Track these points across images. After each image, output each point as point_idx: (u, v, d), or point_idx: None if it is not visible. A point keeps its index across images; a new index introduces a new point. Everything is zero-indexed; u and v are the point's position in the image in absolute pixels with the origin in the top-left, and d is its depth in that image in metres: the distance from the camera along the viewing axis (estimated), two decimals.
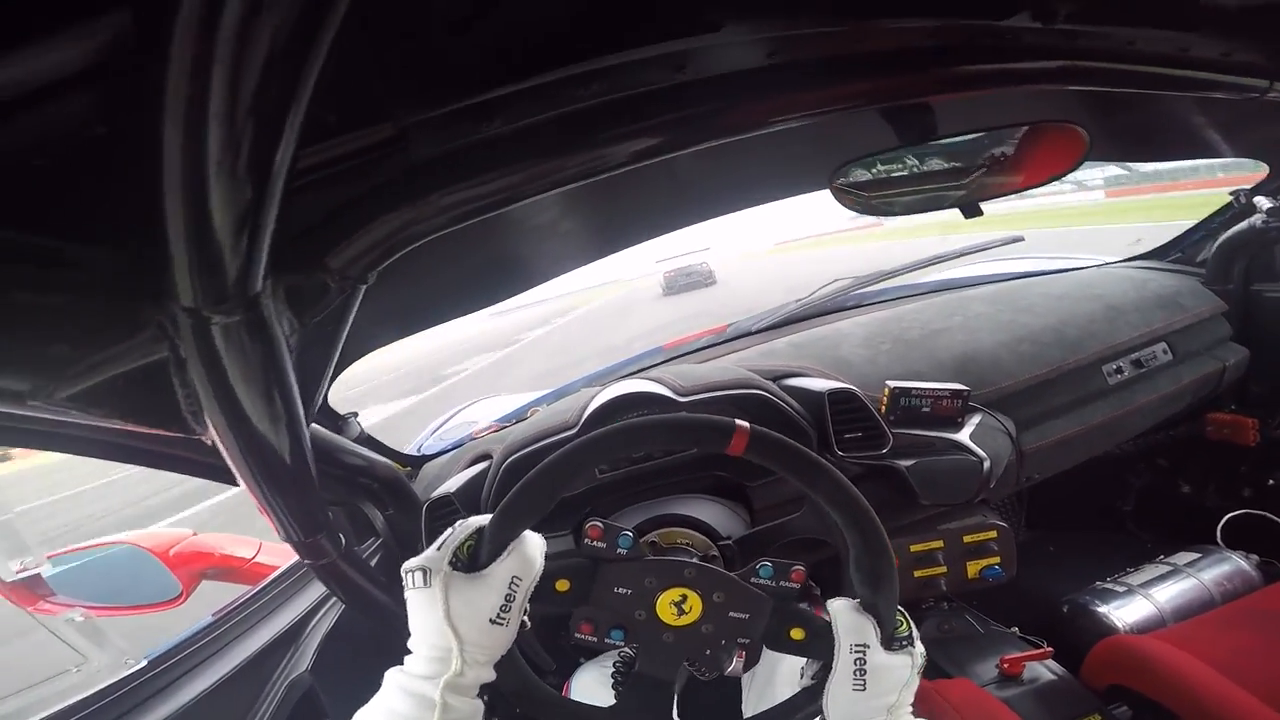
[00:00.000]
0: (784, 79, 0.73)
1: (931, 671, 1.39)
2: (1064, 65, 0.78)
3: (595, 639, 0.76)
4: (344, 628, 1.27)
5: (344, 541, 1.07)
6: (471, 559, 0.69)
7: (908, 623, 0.75)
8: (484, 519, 0.72)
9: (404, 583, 0.68)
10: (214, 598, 1.45)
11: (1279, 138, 1.42)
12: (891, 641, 0.73)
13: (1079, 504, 2.05)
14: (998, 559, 1.29)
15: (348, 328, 0.75)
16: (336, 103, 0.53)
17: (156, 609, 1.48)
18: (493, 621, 0.66)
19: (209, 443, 0.70)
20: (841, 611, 0.74)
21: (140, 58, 0.33)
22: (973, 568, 1.29)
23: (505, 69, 0.60)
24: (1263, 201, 1.54)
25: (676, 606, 0.76)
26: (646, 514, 1.18)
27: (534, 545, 0.72)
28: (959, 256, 1.83)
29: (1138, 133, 1.43)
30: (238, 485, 1.09)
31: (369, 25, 0.48)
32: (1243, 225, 1.62)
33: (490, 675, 0.69)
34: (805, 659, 0.79)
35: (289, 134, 0.40)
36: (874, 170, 0.95)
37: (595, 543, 0.76)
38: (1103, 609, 1.49)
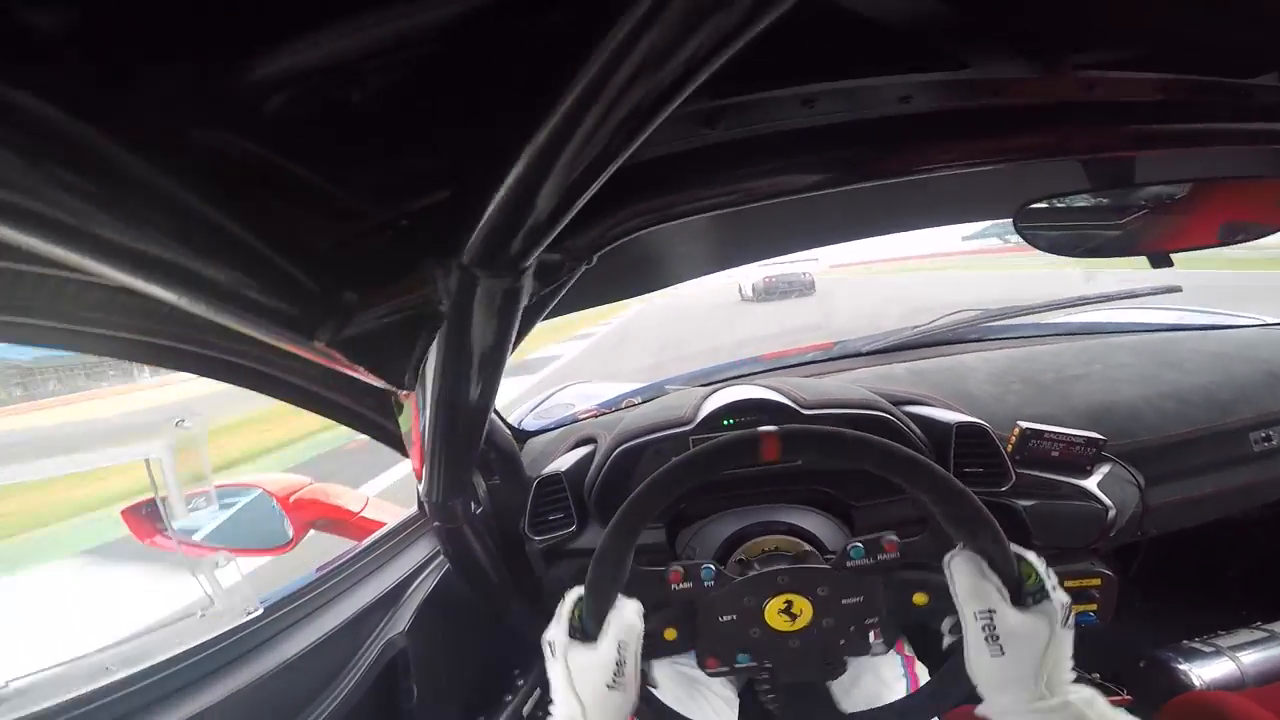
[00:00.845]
0: (997, 120, 0.70)
1: None
2: None
3: (726, 668, 0.78)
4: (441, 594, 1.32)
5: (474, 508, 1.11)
6: (586, 628, 0.73)
7: (1036, 572, 0.69)
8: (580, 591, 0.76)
9: (545, 654, 0.75)
10: (316, 548, 1.54)
11: None
12: (1022, 597, 0.67)
13: (1182, 561, 1.92)
14: (1095, 606, 1.27)
15: (558, 300, 0.77)
16: None
17: (267, 554, 1.54)
18: (609, 687, 0.70)
19: (402, 400, 0.76)
20: (956, 569, 0.70)
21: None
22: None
23: (735, 80, 0.61)
24: None
25: (786, 614, 0.76)
26: (745, 520, 1.18)
27: (630, 608, 0.75)
28: (1104, 302, 1.71)
29: None
30: (394, 445, 1.15)
31: None
32: None
33: None
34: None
35: (656, 120, 0.42)
36: (1060, 207, 0.90)
37: (680, 585, 0.78)
38: (1183, 666, 1.40)
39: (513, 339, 0.67)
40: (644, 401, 1.70)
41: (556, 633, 0.75)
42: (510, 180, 0.44)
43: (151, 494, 1.41)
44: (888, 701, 0.82)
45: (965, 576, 0.69)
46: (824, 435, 0.73)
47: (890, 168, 0.71)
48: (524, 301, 0.61)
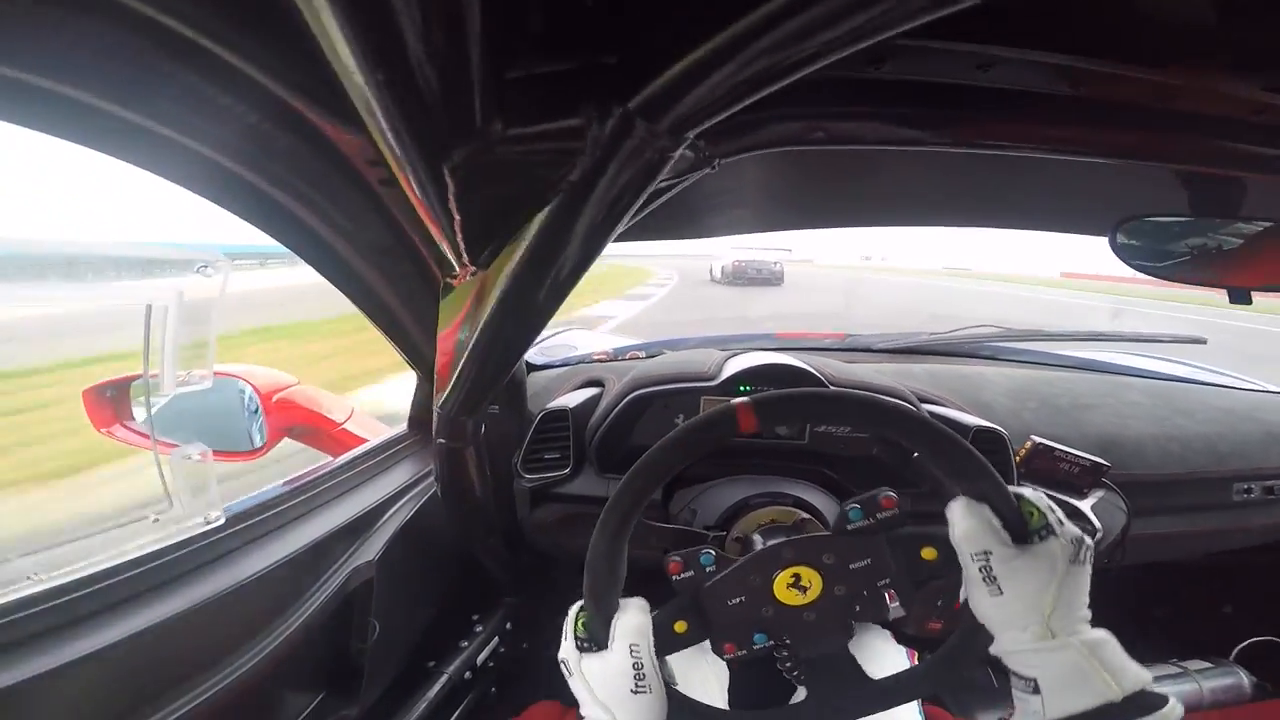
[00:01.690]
0: (1103, 113, 0.68)
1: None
2: None
3: (746, 652, 0.75)
4: (414, 525, 1.25)
5: (482, 429, 1.05)
6: (594, 637, 0.71)
7: (1038, 510, 0.67)
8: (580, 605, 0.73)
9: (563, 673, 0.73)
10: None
11: None
12: (1027, 535, 0.66)
13: (1124, 596, 2.00)
14: None
15: (655, 205, 0.73)
16: None
17: (235, 458, 1.43)
18: (634, 692, 0.67)
19: (454, 284, 0.72)
20: (955, 514, 0.68)
21: None
22: None
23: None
24: None
25: (796, 587, 0.74)
26: (748, 490, 1.16)
27: (634, 608, 0.72)
28: (1130, 341, 1.74)
29: None
30: (415, 362, 1.08)
31: None
32: None
33: None
34: None
35: (872, 39, 0.42)
36: (1160, 234, 0.88)
37: (681, 576, 0.75)
38: None
39: (621, 224, 0.62)
40: (648, 356, 1.66)
41: (566, 649, 0.72)
42: (711, 44, 0.42)
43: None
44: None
45: (963, 519, 0.67)
46: (800, 396, 0.71)
47: (1036, 143, 0.67)
48: (659, 179, 0.57)
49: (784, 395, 0.70)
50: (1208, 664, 1.61)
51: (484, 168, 0.50)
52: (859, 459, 1.26)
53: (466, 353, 0.79)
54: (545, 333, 2.13)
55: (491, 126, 0.48)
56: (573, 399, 1.35)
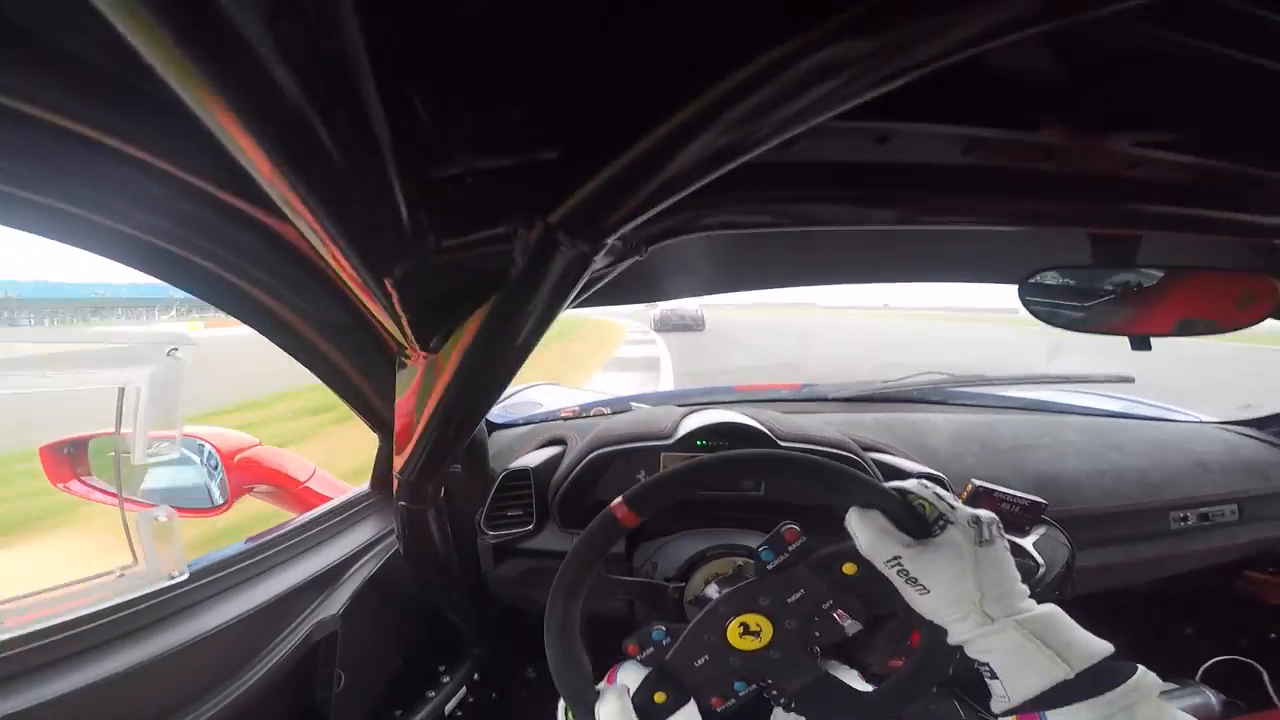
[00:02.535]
0: (1047, 183, 0.74)
1: None
2: None
3: (734, 701, 0.78)
4: (379, 580, 1.26)
5: (442, 493, 1.07)
6: None
7: (927, 502, 0.70)
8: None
9: None
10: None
11: None
12: (927, 530, 0.68)
13: (1082, 624, 2.04)
14: None
15: (590, 292, 0.77)
16: None
17: (198, 515, 1.44)
18: None
19: (409, 363, 0.75)
20: (852, 527, 0.70)
21: None
22: None
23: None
24: None
25: (749, 634, 0.77)
26: (705, 542, 1.19)
27: (613, 693, 0.75)
28: (1063, 383, 1.84)
29: None
30: (375, 424, 1.10)
31: None
32: None
33: None
34: None
35: (793, 131, 0.45)
36: (1063, 285, 0.96)
37: (640, 656, 0.79)
38: None
39: (564, 306, 0.66)
40: (613, 412, 1.70)
41: None
42: (630, 156, 0.45)
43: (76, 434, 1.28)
44: None
45: (861, 530, 0.69)
46: (665, 478, 0.75)
47: (942, 215, 0.74)
48: (587, 276, 0.61)
49: (652, 482, 0.75)
50: (1174, 685, 1.61)
51: (423, 275, 0.53)
52: (815, 506, 1.29)
53: (422, 423, 0.82)
54: (509, 389, 2.16)
55: (425, 239, 0.51)
56: (534, 458, 1.37)
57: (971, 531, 0.66)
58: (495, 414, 1.76)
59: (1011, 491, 1.29)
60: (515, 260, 0.56)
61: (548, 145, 0.51)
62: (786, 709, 0.81)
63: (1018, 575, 0.68)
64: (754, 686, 0.77)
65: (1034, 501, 1.29)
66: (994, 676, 0.64)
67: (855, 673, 1.19)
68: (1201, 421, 1.82)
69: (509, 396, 2.09)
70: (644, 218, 0.52)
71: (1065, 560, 1.36)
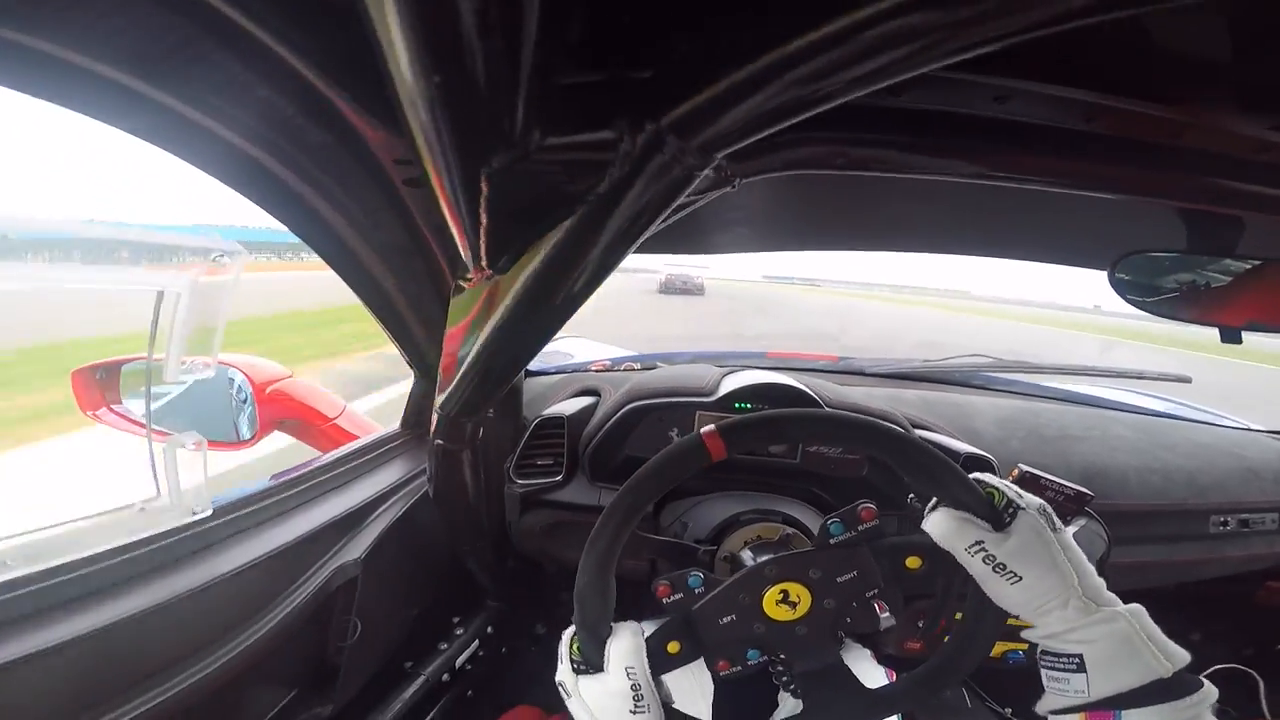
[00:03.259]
0: (1167, 156, 0.70)
1: None
2: None
3: (740, 668, 0.76)
4: (402, 525, 1.24)
5: (480, 432, 1.05)
6: (589, 659, 0.73)
7: (999, 491, 0.68)
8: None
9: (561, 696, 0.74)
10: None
11: None
12: (1000, 520, 0.66)
13: None
14: (1025, 646, 1.23)
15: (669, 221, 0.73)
16: None
17: (225, 448, 1.42)
18: (634, 713, 0.68)
19: (466, 286, 0.72)
20: (933, 523, 0.68)
21: None
22: (1000, 647, 1.28)
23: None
24: None
25: (785, 603, 0.74)
26: (740, 506, 1.17)
27: (628, 630, 0.73)
28: (1118, 377, 1.78)
29: None
30: (416, 364, 1.07)
31: None
32: None
33: None
34: None
35: (920, 68, 0.43)
36: (1157, 270, 0.90)
37: (670, 599, 0.76)
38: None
39: (642, 238, 0.62)
40: (643, 368, 1.67)
41: (563, 672, 0.74)
42: (748, 70, 0.43)
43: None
44: None
45: (942, 524, 0.67)
46: (766, 419, 0.72)
47: (1047, 176, 0.69)
48: (684, 195, 0.57)
49: (753, 420, 0.72)
50: None
51: (518, 175, 0.50)
52: (850, 480, 1.27)
53: (472, 355, 0.79)
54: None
55: (530, 135, 0.49)
56: (568, 407, 1.35)
57: (1041, 519, 0.64)
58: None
59: (1059, 480, 1.25)
60: (613, 171, 0.53)
61: (656, 60, 0.49)
62: (787, 688, 0.79)
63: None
64: (765, 659, 0.76)
65: (1080, 492, 1.25)
66: (1079, 669, 0.62)
67: (868, 652, 1.18)
68: (1253, 429, 1.76)
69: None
70: (756, 136, 0.49)
71: (1101, 554, 1.33)
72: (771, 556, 0.76)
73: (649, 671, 0.71)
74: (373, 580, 1.12)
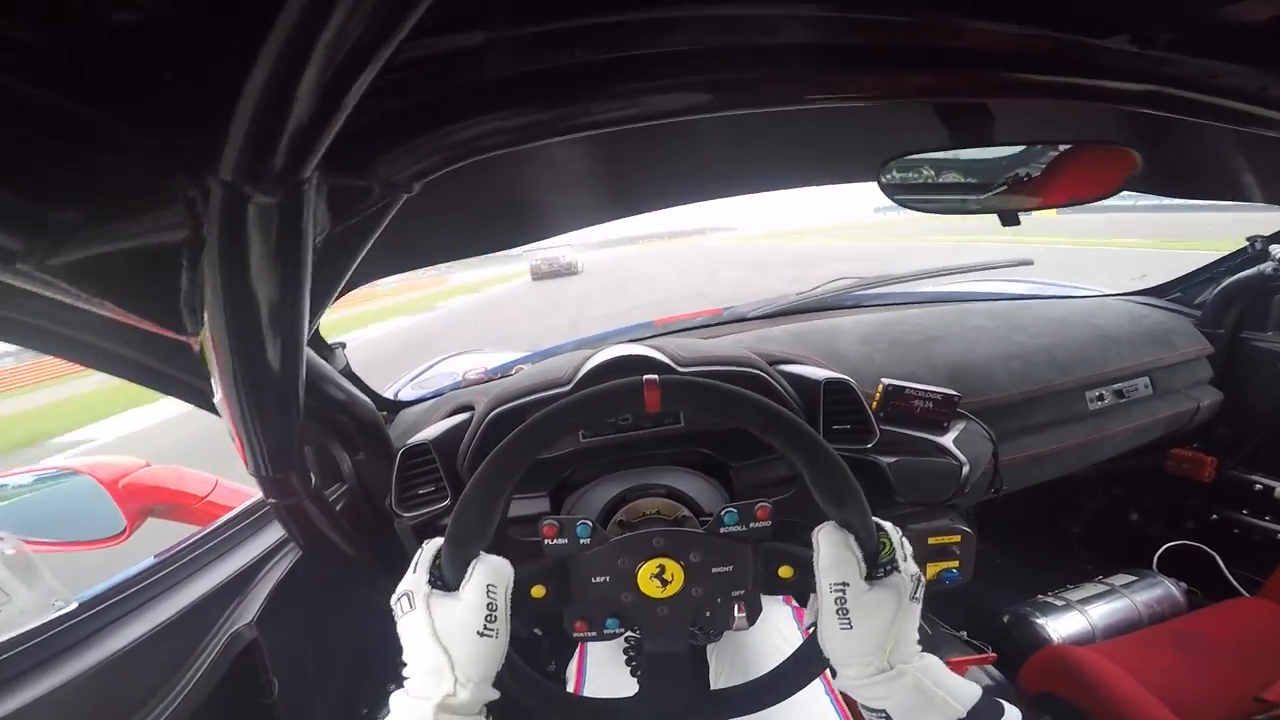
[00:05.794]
0: (846, 58, 0.70)
1: None
2: (1149, 90, 0.77)
3: (594, 633, 0.75)
4: (295, 579, 1.21)
5: (313, 481, 1.01)
6: (446, 576, 0.69)
7: (890, 543, 0.71)
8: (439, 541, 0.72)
9: (395, 613, 0.68)
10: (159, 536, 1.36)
11: None
12: (875, 568, 0.69)
13: (1031, 520, 2.13)
14: (958, 563, 1.30)
15: (374, 238, 0.71)
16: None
17: (96, 546, 1.37)
18: (480, 634, 0.65)
19: (196, 348, 0.66)
20: (822, 540, 0.70)
21: None
22: (933, 569, 1.30)
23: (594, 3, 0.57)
24: (1277, 250, 1.58)
25: (658, 579, 0.74)
26: (624, 484, 1.15)
27: (497, 558, 0.71)
28: (966, 272, 1.83)
29: (1181, 168, 1.45)
30: (215, 412, 1.02)
31: None
32: (1250, 271, 1.67)
33: (492, 694, 0.67)
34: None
35: (408, 19, 0.38)
36: (922, 169, 0.92)
37: (554, 541, 0.75)
38: (1040, 620, 1.59)
39: (306, 272, 0.59)
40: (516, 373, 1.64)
41: (415, 582, 0.68)
42: (259, 77, 0.38)
43: None
44: (777, 650, 0.81)
45: (829, 547, 0.69)
46: (705, 386, 0.71)
47: (748, 98, 0.69)
48: (309, 226, 0.54)
49: (692, 383, 0.71)
50: (1132, 576, 1.69)
51: (80, 267, 0.46)
52: (733, 431, 1.27)
53: (231, 411, 0.76)
54: (426, 365, 2.09)
55: (57, 218, 0.43)
56: (435, 430, 1.31)
57: (911, 585, 0.68)
58: (406, 392, 1.70)
59: (924, 387, 1.29)
60: (204, 232, 0.50)
61: (183, 91, 0.44)
62: (629, 663, 0.79)
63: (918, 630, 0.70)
64: (621, 630, 0.75)
65: (946, 395, 1.29)
66: None
67: (790, 609, 1.18)
68: (1102, 294, 1.84)
69: (425, 370, 2.02)
70: (321, 143, 0.45)
71: (990, 454, 1.36)
72: (662, 529, 0.76)
73: (510, 600, 0.69)
74: (279, 639, 1.10)
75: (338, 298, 1.03)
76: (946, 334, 1.55)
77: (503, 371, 1.71)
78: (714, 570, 0.74)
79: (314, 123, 0.43)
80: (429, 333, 14.31)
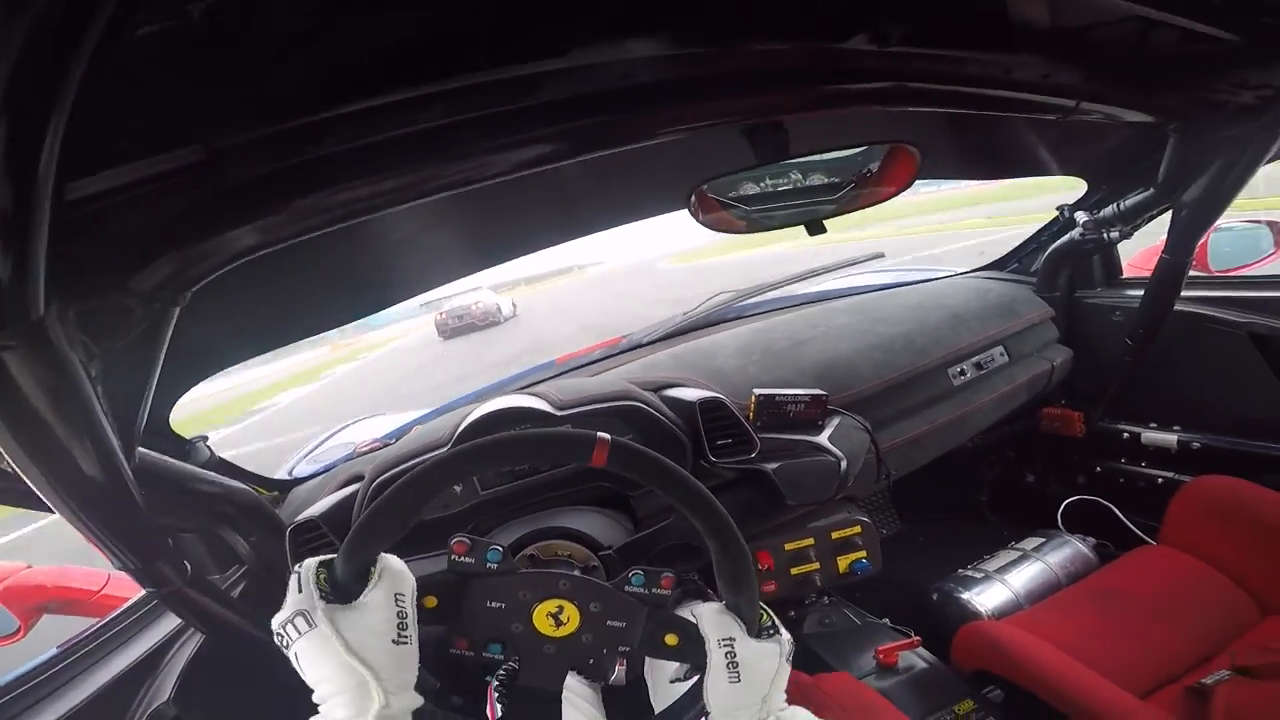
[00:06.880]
0: (641, 99, 0.76)
1: (814, 665, 1.48)
2: (897, 86, 0.83)
3: (472, 654, 0.77)
4: (208, 655, 1.19)
5: (188, 568, 1.01)
6: (338, 591, 0.66)
7: (770, 615, 0.78)
8: (322, 557, 0.70)
9: (282, 643, 0.63)
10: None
11: (1092, 156, 1.61)
12: (759, 631, 0.75)
13: (942, 496, 2.23)
14: (864, 553, 1.35)
15: (164, 349, 0.73)
16: (139, 124, 0.53)
17: None
18: (395, 642, 0.64)
19: (8, 470, 0.66)
20: (706, 613, 0.76)
21: None
22: (843, 562, 1.35)
23: (335, 94, 0.60)
24: (1081, 216, 1.70)
25: (554, 618, 0.77)
26: (527, 527, 1.17)
27: (398, 561, 0.71)
28: (824, 272, 1.94)
29: (977, 151, 1.57)
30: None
31: (168, 48, 0.48)
32: (1065, 238, 1.80)
33: (418, 700, 0.66)
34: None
35: (50, 147, 0.40)
36: (732, 192, 1.00)
37: (461, 558, 0.77)
38: (965, 595, 1.63)
39: (89, 395, 0.62)
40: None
41: (305, 601, 0.63)
42: None
43: None
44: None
45: (713, 615, 0.76)
46: (645, 458, 0.74)
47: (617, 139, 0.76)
48: (72, 357, 0.57)
49: (639, 452, 0.73)
50: (1041, 539, 1.76)
51: None
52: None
53: (71, 521, 0.76)
54: (320, 438, 2.06)
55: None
56: (324, 504, 1.29)
57: (787, 648, 0.75)
58: (300, 469, 1.69)
59: (791, 391, 1.35)
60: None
61: None
62: (500, 693, 0.77)
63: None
64: (502, 658, 0.77)
65: (815, 395, 1.35)
66: None
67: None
68: (950, 274, 1.97)
69: (320, 444, 1.99)
70: (31, 284, 0.47)
71: (868, 444, 1.42)
72: (571, 574, 0.79)
73: (416, 604, 0.68)
74: (201, 715, 1.10)
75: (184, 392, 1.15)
76: (813, 335, 1.63)
77: (397, 435, 1.70)
78: (609, 623, 0.78)
79: (10, 265, 0.44)
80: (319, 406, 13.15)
